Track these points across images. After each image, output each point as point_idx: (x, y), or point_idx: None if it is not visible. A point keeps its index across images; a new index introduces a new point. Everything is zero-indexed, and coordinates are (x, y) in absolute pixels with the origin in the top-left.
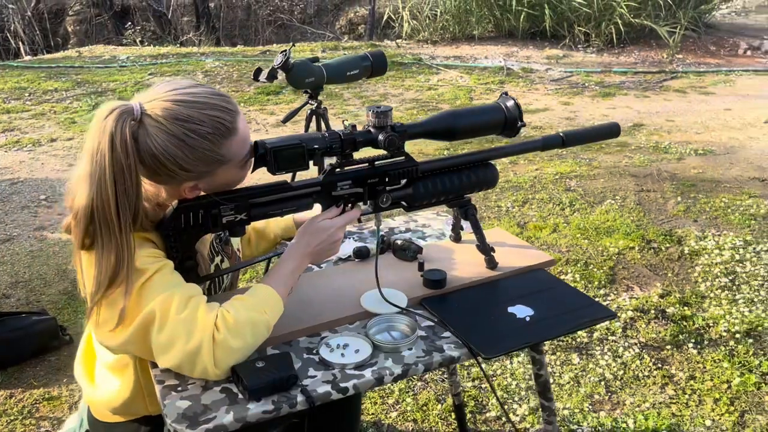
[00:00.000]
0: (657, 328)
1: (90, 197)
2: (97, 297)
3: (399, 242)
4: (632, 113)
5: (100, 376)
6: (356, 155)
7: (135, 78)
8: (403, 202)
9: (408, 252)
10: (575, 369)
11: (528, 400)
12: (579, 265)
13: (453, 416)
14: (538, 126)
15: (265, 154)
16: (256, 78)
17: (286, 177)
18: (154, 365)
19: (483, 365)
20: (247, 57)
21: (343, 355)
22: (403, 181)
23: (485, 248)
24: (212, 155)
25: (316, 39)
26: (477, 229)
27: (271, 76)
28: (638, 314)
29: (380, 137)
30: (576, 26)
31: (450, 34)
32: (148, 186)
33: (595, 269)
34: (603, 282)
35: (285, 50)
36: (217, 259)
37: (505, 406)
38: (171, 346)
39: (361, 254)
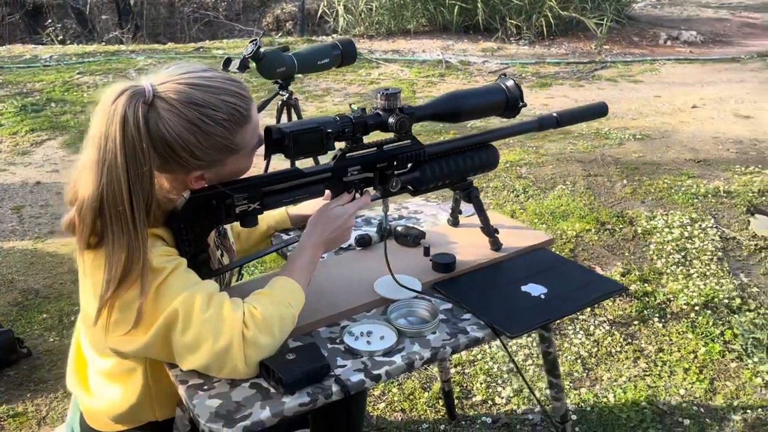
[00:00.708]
0: (622, 305)
1: (98, 187)
2: (106, 298)
3: (400, 228)
4: (570, 102)
5: (97, 384)
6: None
7: (62, 78)
8: (410, 186)
9: (410, 237)
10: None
11: (510, 382)
12: None
13: (441, 403)
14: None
15: (282, 139)
16: (225, 68)
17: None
18: (172, 366)
19: (461, 353)
20: (180, 54)
21: (369, 342)
22: (409, 165)
23: (489, 230)
24: (226, 143)
25: (243, 36)
26: (481, 211)
27: (243, 66)
28: None
29: (391, 120)
30: (508, 19)
31: (385, 28)
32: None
33: (557, 252)
34: None
35: (255, 40)
36: (217, 254)
37: (490, 390)
38: (198, 346)
39: (363, 242)
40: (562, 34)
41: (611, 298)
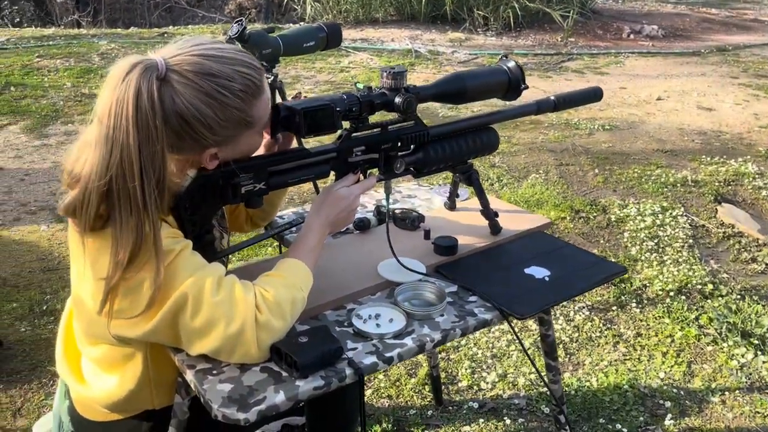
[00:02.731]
0: (600, 291)
1: (107, 166)
2: (113, 281)
3: (398, 212)
4: (539, 93)
5: (90, 372)
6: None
7: (21, 61)
8: (413, 168)
9: (408, 221)
10: (533, 335)
11: (495, 367)
12: None
13: (427, 389)
14: (453, 106)
15: (292, 116)
16: None
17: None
18: (177, 351)
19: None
20: (144, 39)
21: (378, 325)
22: (413, 147)
23: (489, 213)
24: (242, 116)
25: (207, 22)
26: (481, 194)
27: None
28: None
29: (397, 99)
30: (476, 10)
31: (353, 17)
32: None
33: None
34: None
35: (240, 20)
36: (219, 235)
37: (475, 375)
38: (209, 330)
39: (362, 225)
40: (528, 25)
41: None
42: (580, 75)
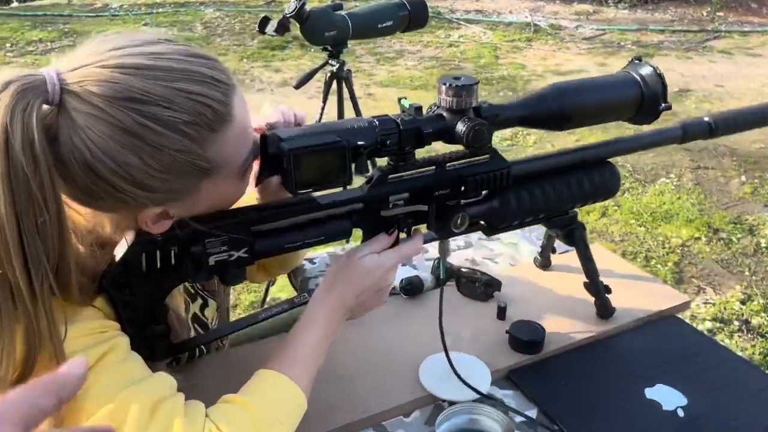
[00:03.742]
0: (743, 344)
1: None
2: None
3: (464, 270)
4: (676, 77)
5: None
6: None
7: (127, 29)
8: (483, 222)
9: (479, 285)
10: None
11: None
12: (639, 259)
13: None
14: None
15: (278, 158)
16: (261, 30)
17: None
18: None
19: None
20: (250, 7)
21: None
22: (484, 192)
23: (597, 288)
24: (192, 160)
25: None
26: (587, 260)
27: (282, 27)
28: (718, 325)
29: (460, 127)
30: None
31: None
32: (76, 215)
33: (659, 265)
34: (669, 282)
35: None
36: (196, 305)
37: None
38: None
39: (412, 289)
40: None
41: (726, 334)
42: (728, 57)
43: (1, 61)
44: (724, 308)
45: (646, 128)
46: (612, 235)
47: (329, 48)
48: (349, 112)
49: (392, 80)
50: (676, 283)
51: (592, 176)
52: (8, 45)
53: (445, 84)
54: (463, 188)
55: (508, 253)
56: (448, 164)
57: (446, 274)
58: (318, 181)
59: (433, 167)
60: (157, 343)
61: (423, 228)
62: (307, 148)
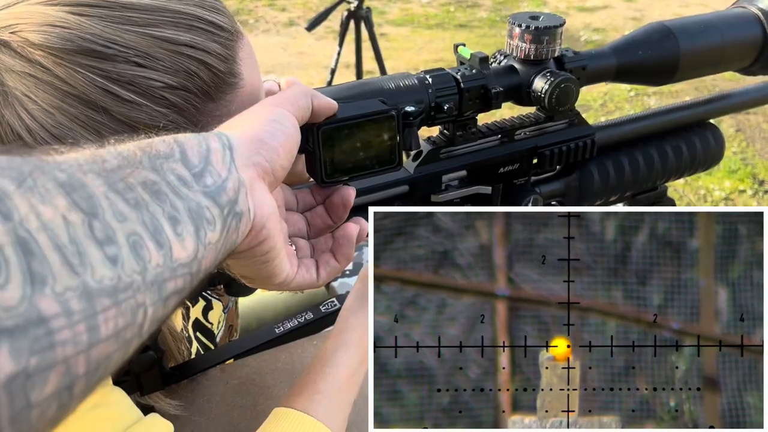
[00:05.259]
0: None
1: None
2: None
3: None
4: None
5: None
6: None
7: None
8: (554, 203)
9: None
10: None
11: None
12: None
13: None
14: (599, 28)
15: (305, 136)
16: None
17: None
18: None
19: None
20: None
21: None
22: (558, 166)
23: None
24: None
25: None
26: None
27: None
28: None
29: (540, 83)
30: None
31: None
32: None
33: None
34: None
35: None
36: (198, 308)
37: None
38: None
39: None
40: None
41: None
42: None
43: None
44: None
45: (750, 81)
46: None
47: None
48: (367, 60)
49: (406, 19)
50: None
51: (692, 142)
52: None
53: (520, 26)
54: (536, 162)
55: None
56: (516, 132)
57: None
58: (356, 167)
59: (498, 137)
60: (145, 374)
61: None
62: (342, 122)
